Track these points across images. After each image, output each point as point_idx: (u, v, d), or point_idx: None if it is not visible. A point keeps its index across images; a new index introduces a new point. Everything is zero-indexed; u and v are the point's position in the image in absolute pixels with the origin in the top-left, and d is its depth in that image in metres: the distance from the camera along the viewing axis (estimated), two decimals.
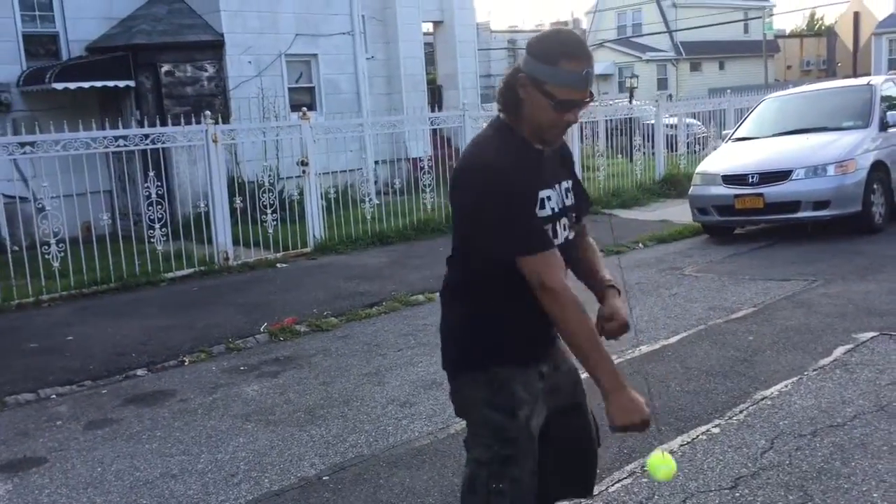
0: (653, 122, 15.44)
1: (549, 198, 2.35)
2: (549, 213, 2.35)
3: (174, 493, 4.02)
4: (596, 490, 3.65)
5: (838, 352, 5.39)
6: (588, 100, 2.31)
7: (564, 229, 2.43)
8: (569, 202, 2.46)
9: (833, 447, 3.96)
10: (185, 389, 5.73)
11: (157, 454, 4.55)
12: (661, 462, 2.39)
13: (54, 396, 5.77)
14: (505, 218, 2.25)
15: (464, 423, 4.65)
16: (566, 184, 2.47)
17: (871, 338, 5.62)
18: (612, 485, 3.76)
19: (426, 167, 11.62)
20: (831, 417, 4.32)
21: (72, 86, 11.36)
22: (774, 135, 10.59)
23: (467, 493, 2.41)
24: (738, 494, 3.57)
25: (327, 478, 4.08)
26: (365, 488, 3.93)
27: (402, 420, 4.81)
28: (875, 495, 3.48)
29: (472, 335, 2.41)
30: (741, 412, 4.50)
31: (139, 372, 6.20)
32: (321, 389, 5.50)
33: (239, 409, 5.21)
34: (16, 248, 8.38)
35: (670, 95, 38.11)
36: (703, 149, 16.08)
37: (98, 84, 11.57)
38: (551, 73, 2.23)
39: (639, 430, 2.31)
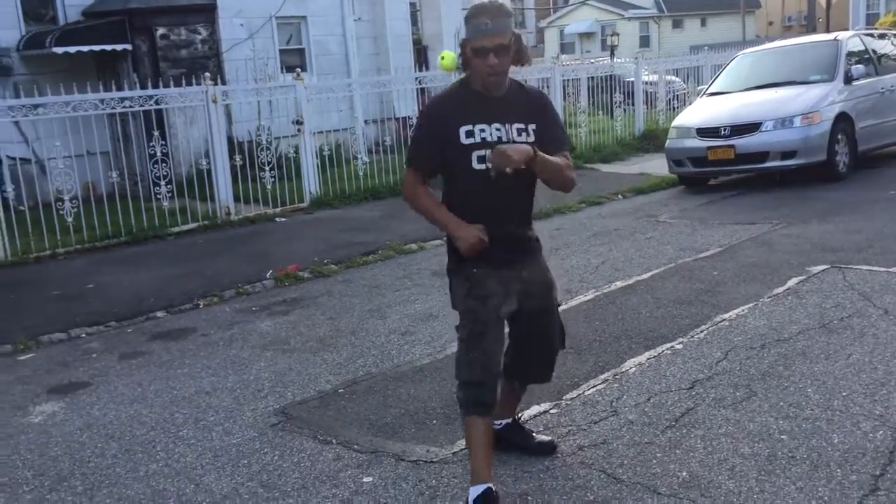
0: (633, 79, 15.96)
1: (482, 129, 3.07)
2: (479, 140, 3.07)
3: (210, 405, 4.62)
4: (574, 394, 4.32)
5: (792, 282, 6.03)
6: (492, 47, 2.98)
7: None
8: (520, 139, 3.11)
9: (778, 356, 4.60)
10: (205, 327, 6.31)
11: (188, 377, 5.15)
12: None
13: (84, 335, 6.34)
14: (412, 136, 3.30)
15: None
16: (520, 125, 3.14)
17: (822, 270, 6.26)
18: (588, 389, 4.37)
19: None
20: (779, 334, 4.96)
21: (72, 50, 11.70)
22: (746, 89, 11.15)
23: (455, 363, 3.22)
24: (694, 393, 4.21)
25: (342, 390, 4.69)
26: (376, 397, 4.54)
27: (403, 346, 5.42)
28: (809, 391, 4.11)
29: (452, 246, 3.21)
30: (702, 332, 5.13)
31: (159, 314, 6.77)
32: (329, 324, 6.10)
33: (256, 341, 5.80)
34: (21, 207, 8.86)
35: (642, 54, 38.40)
36: (683, 105, 16.61)
37: (97, 48, 11.93)
38: (467, 29, 3.05)
39: (480, 244, 3.07)
